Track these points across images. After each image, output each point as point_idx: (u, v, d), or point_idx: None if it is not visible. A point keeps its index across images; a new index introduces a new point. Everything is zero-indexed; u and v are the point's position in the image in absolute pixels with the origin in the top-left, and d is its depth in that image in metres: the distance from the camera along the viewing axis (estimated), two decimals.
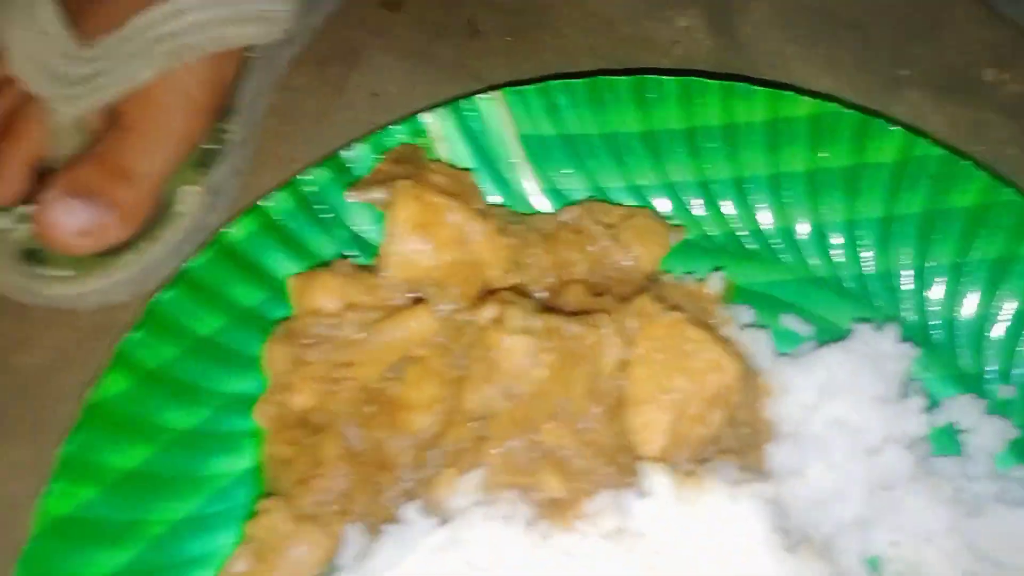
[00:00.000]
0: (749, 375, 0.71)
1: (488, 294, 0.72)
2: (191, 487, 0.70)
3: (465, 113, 0.84)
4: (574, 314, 0.69)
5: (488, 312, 0.68)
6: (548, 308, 0.70)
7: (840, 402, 0.73)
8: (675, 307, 0.72)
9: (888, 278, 0.81)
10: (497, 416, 0.66)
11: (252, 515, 0.68)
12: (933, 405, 0.76)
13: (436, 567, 0.62)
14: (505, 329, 0.65)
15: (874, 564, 0.69)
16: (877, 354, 0.76)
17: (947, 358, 0.78)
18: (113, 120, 0.82)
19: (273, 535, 0.65)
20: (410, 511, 0.64)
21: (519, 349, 0.64)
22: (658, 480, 0.61)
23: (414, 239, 0.71)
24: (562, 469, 0.66)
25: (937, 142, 0.82)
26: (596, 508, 0.64)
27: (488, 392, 0.65)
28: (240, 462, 0.72)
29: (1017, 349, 0.77)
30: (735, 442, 0.71)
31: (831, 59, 1.02)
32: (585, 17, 1.05)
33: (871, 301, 0.81)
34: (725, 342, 0.69)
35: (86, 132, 0.83)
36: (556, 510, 0.64)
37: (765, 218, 0.84)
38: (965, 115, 0.98)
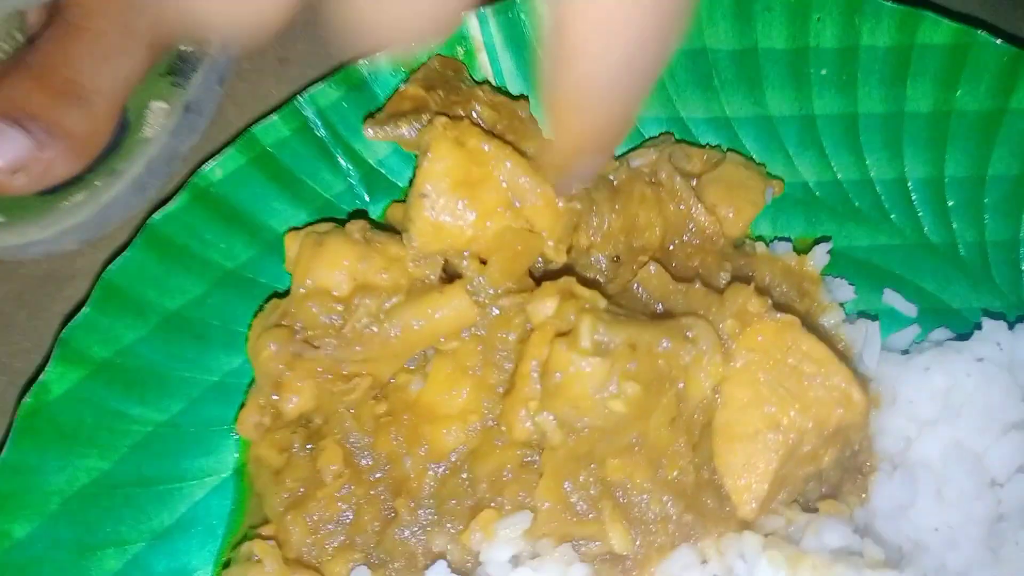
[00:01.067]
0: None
1: (544, 276, 0.56)
2: (163, 497, 0.56)
3: (516, 15, 0.66)
4: (656, 315, 0.54)
5: (546, 307, 0.52)
6: (621, 304, 0.54)
7: (964, 422, 0.60)
8: (772, 296, 0.57)
9: (1014, 248, 0.69)
10: (554, 448, 0.51)
11: (229, 560, 0.54)
12: None
13: None
14: (576, 347, 0.48)
15: None
16: (1012, 362, 0.62)
17: None
18: (58, 17, 0.61)
19: None
20: (436, 572, 0.50)
21: (595, 378, 0.48)
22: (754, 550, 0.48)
23: (452, 200, 0.54)
24: (630, 516, 0.52)
25: None
26: (673, 570, 0.50)
27: (545, 420, 0.50)
28: (221, 466, 0.58)
29: None
30: (838, 472, 0.57)
31: None
32: None
33: (991, 275, 0.69)
34: (848, 360, 0.54)
35: (23, 31, 0.63)
36: (621, 570, 0.51)
37: (877, 167, 0.70)
38: None
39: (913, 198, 0.69)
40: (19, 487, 0.52)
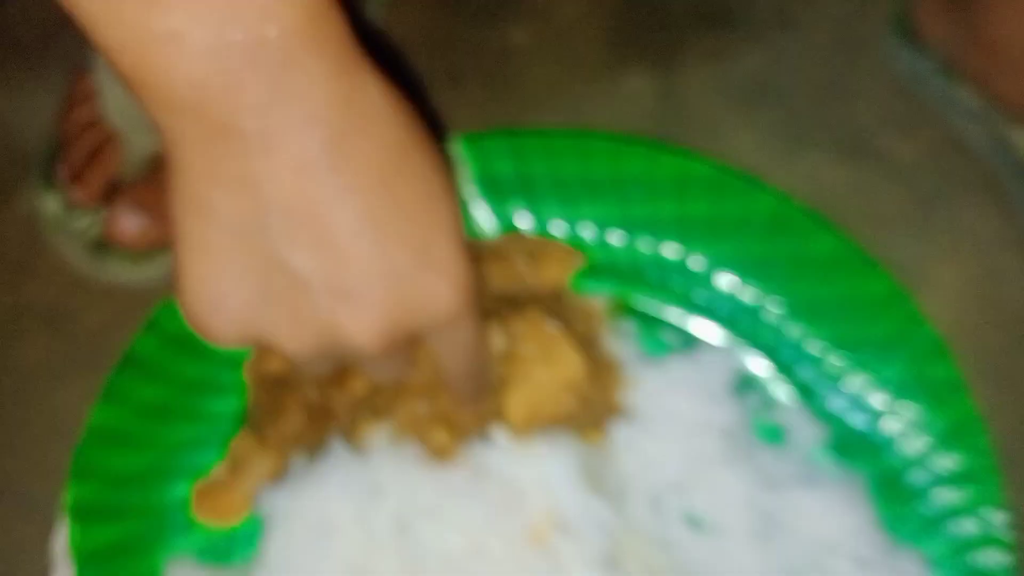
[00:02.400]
0: (603, 368, 0.93)
1: None
2: (194, 419, 0.96)
3: None
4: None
5: None
6: None
7: (679, 395, 0.93)
8: (560, 318, 0.97)
9: (756, 310, 0.99)
10: (408, 385, 0.92)
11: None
12: (767, 405, 0.97)
13: (352, 486, 0.88)
14: None
15: (695, 521, 0.89)
16: (712, 361, 0.97)
17: (788, 371, 0.98)
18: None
19: (241, 453, 0.93)
20: (336, 446, 0.89)
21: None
22: (499, 436, 0.87)
23: None
24: (450, 425, 0.91)
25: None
26: (465, 453, 0.89)
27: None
28: (233, 403, 0.97)
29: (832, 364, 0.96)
30: (585, 419, 0.94)
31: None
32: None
33: (737, 326, 1.00)
34: (573, 341, 0.93)
35: (153, 161, 1.11)
36: (442, 453, 0.91)
37: (667, 253, 1.01)
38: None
39: (688, 274, 0.99)
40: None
